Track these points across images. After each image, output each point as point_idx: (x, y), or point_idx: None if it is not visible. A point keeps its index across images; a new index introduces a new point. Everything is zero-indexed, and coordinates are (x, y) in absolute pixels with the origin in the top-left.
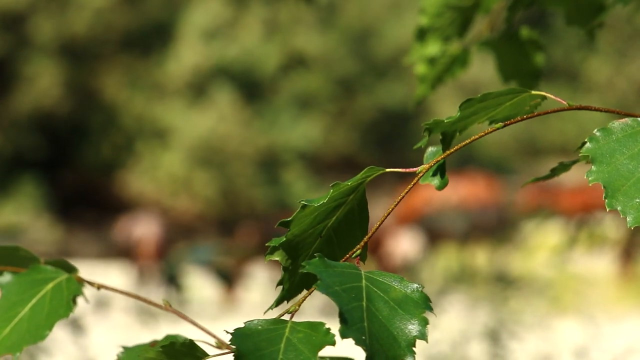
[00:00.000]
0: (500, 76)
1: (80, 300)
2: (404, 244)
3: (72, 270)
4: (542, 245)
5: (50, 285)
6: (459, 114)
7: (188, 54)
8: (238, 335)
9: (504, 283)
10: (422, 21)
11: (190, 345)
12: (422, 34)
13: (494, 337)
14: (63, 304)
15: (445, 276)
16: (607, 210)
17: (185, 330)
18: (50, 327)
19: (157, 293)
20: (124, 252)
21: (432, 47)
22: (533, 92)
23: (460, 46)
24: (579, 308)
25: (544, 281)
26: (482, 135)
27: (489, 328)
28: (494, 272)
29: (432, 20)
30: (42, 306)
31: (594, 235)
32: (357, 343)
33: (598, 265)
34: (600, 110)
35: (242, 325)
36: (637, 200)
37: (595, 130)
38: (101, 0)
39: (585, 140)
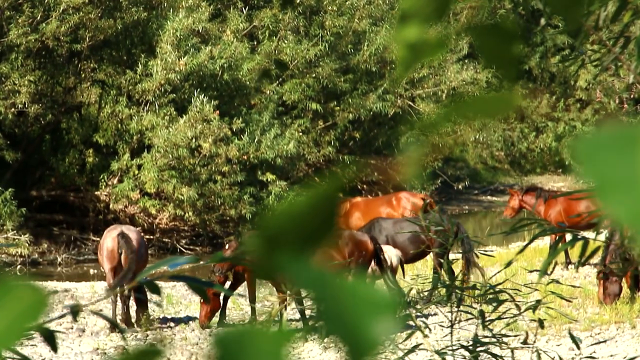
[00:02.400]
0: (483, 62)
1: (51, 312)
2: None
3: (37, 285)
4: (526, 259)
5: (15, 298)
6: (438, 115)
7: (167, 62)
8: (216, 340)
9: (486, 298)
10: (403, 4)
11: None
12: (403, 17)
13: (476, 353)
14: (29, 318)
15: (425, 290)
16: (598, 213)
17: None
18: (14, 341)
19: (132, 306)
20: (100, 265)
21: (412, 31)
22: (510, 96)
23: (439, 30)
24: (562, 324)
25: (527, 296)
26: (460, 135)
27: (470, 344)
28: (475, 287)
29: (413, 3)
30: (6, 319)
31: (579, 249)
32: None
33: (583, 281)
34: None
35: (220, 331)
36: (627, 202)
37: (585, 134)
38: (80, 7)
39: (575, 144)
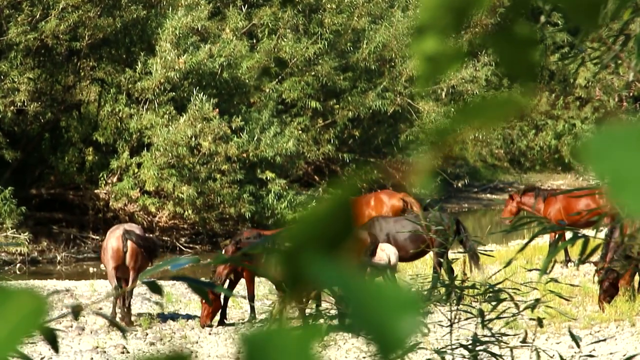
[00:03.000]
0: (502, 71)
1: (51, 312)
2: (386, 251)
3: (36, 291)
4: (526, 257)
5: (15, 305)
6: (444, 119)
7: (166, 61)
8: (244, 341)
9: (485, 297)
10: (420, 17)
11: None
12: (420, 30)
13: (475, 352)
14: (29, 326)
15: (424, 289)
16: (598, 211)
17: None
18: (13, 348)
19: (133, 306)
20: (102, 263)
21: (430, 44)
22: (513, 99)
23: (457, 42)
24: (562, 322)
25: (526, 295)
26: (462, 137)
27: (469, 343)
28: (474, 285)
29: (430, 15)
30: (6, 325)
31: (579, 247)
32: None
33: (582, 279)
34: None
35: (248, 331)
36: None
37: (594, 131)
38: (79, 6)
39: (586, 142)
